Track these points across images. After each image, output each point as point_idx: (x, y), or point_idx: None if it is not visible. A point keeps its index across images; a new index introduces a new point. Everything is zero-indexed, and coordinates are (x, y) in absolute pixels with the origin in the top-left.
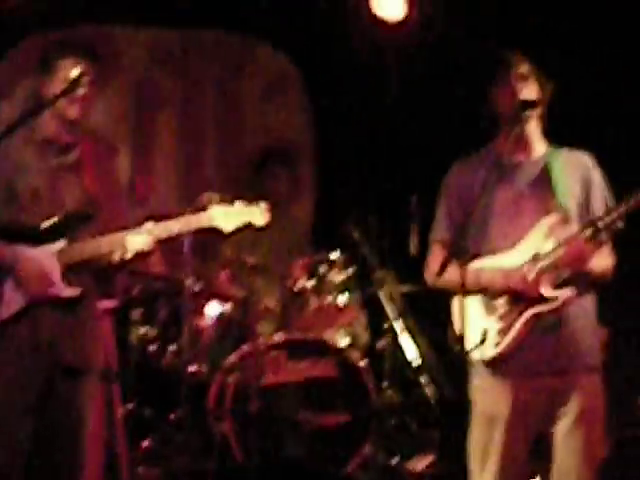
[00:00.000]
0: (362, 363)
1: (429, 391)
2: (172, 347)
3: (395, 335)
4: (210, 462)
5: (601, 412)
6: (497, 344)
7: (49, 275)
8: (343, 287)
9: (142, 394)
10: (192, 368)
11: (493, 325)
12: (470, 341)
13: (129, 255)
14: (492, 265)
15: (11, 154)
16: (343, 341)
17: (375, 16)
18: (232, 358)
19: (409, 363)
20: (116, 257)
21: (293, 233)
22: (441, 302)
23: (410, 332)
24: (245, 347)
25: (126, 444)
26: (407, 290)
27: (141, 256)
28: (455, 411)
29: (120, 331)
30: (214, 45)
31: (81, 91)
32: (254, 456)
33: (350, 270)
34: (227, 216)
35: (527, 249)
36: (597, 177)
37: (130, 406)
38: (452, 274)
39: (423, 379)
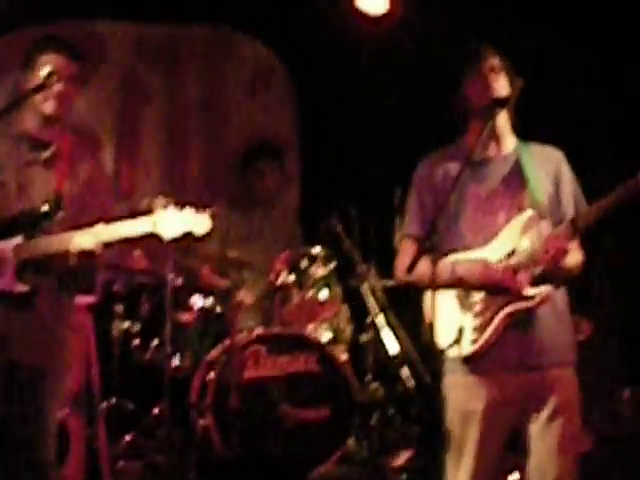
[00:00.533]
0: (343, 357)
1: (410, 385)
2: (154, 342)
3: (378, 329)
4: (191, 456)
5: (577, 406)
6: (474, 341)
7: (2, 269)
8: (325, 282)
9: (124, 388)
10: (174, 363)
11: (469, 322)
12: (446, 338)
13: (76, 253)
14: (466, 259)
15: None
16: (325, 335)
17: (358, 10)
18: (214, 353)
19: (392, 357)
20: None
21: (283, 227)
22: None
23: (391, 327)
24: (227, 342)
25: (106, 439)
26: (390, 284)
27: (86, 256)
28: (435, 406)
29: (103, 325)
30: (199, 40)
31: (57, 87)
32: (235, 451)
33: (332, 265)
34: (170, 223)
35: (502, 246)
36: (566, 172)
37: (112, 400)
38: (424, 269)
39: (404, 373)
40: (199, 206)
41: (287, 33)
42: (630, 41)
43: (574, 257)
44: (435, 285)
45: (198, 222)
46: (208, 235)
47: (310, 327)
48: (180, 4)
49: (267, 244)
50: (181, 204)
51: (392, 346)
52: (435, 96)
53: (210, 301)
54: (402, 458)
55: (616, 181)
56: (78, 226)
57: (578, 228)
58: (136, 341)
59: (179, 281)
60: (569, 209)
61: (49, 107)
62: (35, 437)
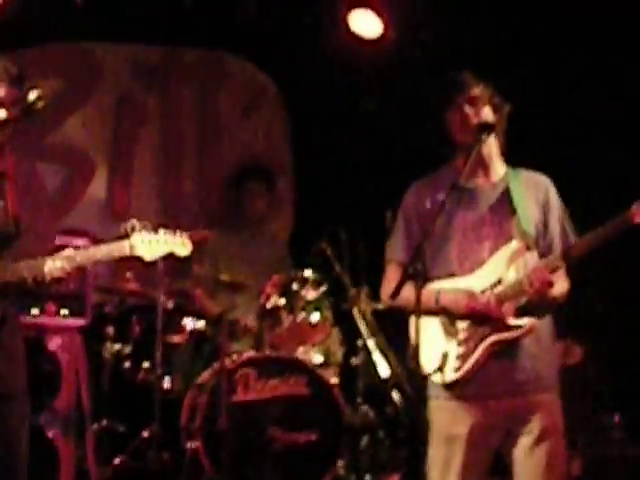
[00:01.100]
0: (333, 381)
1: (400, 408)
2: (145, 364)
3: (369, 352)
4: (181, 479)
5: (561, 431)
6: (457, 369)
7: None
8: (315, 305)
9: (115, 410)
10: (165, 385)
11: (453, 349)
12: (430, 363)
13: (46, 280)
14: (452, 287)
15: None
16: (316, 358)
17: (352, 33)
18: (205, 375)
19: (383, 380)
20: (31, 281)
21: (273, 249)
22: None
23: (381, 350)
24: (217, 365)
25: (96, 461)
26: (379, 308)
27: (57, 281)
28: (423, 429)
29: (94, 347)
30: (193, 62)
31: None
32: (225, 474)
33: (322, 288)
34: (149, 245)
35: (488, 275)
36: (554, 199)
37: (103, 422)
38: (409, 294)
39: (395, 396)
40: (181, 228)
41: (281, 56)
42: (618, 65)
43: (560, 286)
44: (419, 311)
45: (177, 243)
46: (189, 257)
47: (300, 350)
48: (174, 26)
49: (257, 266)
50: (155, 227)
51: (383, 369)
52: (427, 119)
53: (201, 324)
54: None
55: (604, 207)
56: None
57: (570, 259)
58: (127, 363)
59: (170, 303)
60: (556, 236)
61: None
62: (9, 464)
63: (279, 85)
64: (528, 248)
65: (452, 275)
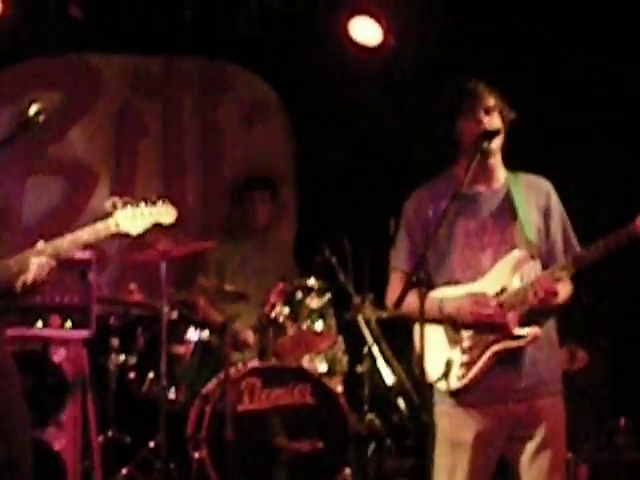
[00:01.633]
0: (339, 389)
1: (406, 416)
2: (150, 375)
3: (374, 360)
4: None
5: (564, 435)
6: (461, 376)
7: None
8: (320, 313)
9: (121, 421)
10: (171, 395)
11: (457, 357)
12: (434, 371)
13: (30, 276)
14: (455, 295)
15: None
16: (321, 367)
17: (353, 42)
18: (210, 385)
19: (388, 388)
20: (19, 282)
21: (278, 258)
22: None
23: (385, 357)
24: (222, 374)
25: (103, 472)
26: (384, 316)
27: (47, 273)
28: (429, 436)
29: (99, 359)
30: (194, 72)
31: None
32: None
33: (327, 296)
34: (133, 219)
35: (492, 282)
36: (555, 203)
37: (109, 433)
38: (413, 302)
39: (401, 404)
40: (159, 200)
41: (282, 65)
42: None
43: (564, 291)
44: (423, 319)
45: (162, 212)
46: (174, 225)
47: (305, 359)
48: (174, 37)
49: (261, 276)
50: (137, 200)
51: (388, 377)
52: (430, 127)
53: (206, 334)
54: None
55: (605, 212)
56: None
57: (580, 267)
58: (132, 374)
59: (174, 314)
60: (558, 242)
61: None
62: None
63: (280, 94)
64: (532, 256)
65: (455, 283)
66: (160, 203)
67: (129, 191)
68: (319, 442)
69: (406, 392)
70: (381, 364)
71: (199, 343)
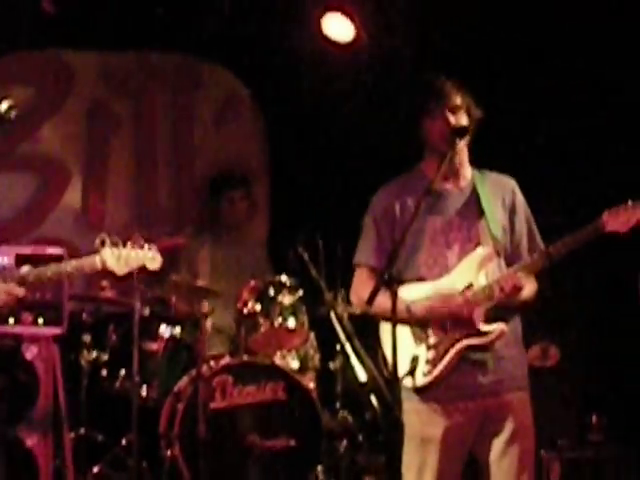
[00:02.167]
0: (311, 385)
1: (379, 412)
2: (123, 371)
3: (347, 357)
4: None
5: (532, 429)
6: (427, 373)
7: None
8: (292, 310)
9: (93, 418)
10: (143, 392)
11: (423, 354)
12: (400, 368)
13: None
14: (418, 293)
15: None
16: (293, 364)
17: (325, 37)
18: (182, 382)
19: (361, 385)
20: None
21: (252, 254)
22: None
23: (358, 354)
24: (194, 372)
25: (75, 469)
26: (356, 312)
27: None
28: (400, 433)
29: (71, 356)
30: (166, 68)
31: None
32: None
33: (299, 293)
34: (119, 259)
35: (459, 279)
36: (520, 201)
37: (81, 431)
38: (383, 302)
39: (373, 401)
40: (157, 236)
41: (254, 61)
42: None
43: (528, 288)
44: (395, 318)
45: (148, 257)
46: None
47: (277, 355)
48: (147, 33)
49: (235, 272)
50: (125, 240)
51: (361, 373)
52: (401, 123)
53: (178, 330)
54: None
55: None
56: None
57: (547, 262)
58: (104, 371)
59: (146, 311)
60: (523, 239)
61: None
62: None
63: (253, 90)
64: (497, 253)
65: (421, 279)
66: (147, 248)
67: (101, 188)
68: (291, 439)
69: (378, 389)
70: (354, 361)
71: (171, 339)
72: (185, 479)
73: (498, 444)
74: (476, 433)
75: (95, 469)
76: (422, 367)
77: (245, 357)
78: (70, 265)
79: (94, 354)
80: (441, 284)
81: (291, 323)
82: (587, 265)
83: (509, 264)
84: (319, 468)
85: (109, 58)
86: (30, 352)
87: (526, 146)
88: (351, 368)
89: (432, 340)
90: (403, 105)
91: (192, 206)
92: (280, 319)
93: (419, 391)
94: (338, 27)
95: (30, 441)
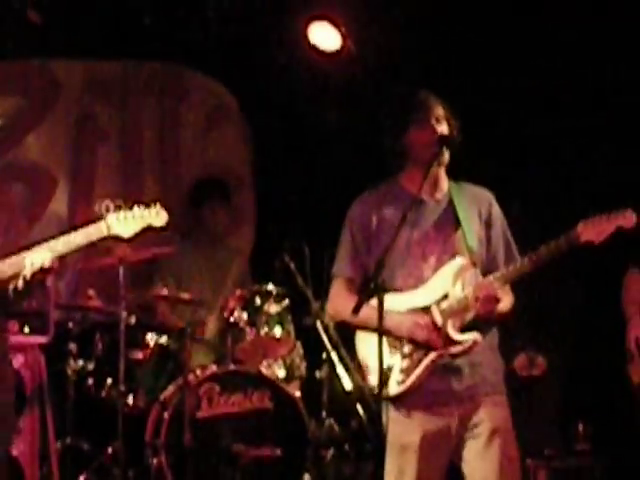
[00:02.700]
0: (297, 394)
1: (365, 421)
2: (109, 380)
3: (333, 366)
4: None
5: (511, 431)
6: (401, 382)
7: None
8: (278, 319)
9: (79, 427)
10: (129, 401)
11: (397, 363)
12: (374, 376)
13: (29, 274)
14: (394, 304)
15: None
16: (279, 373)
17: (312, 47)
18: (168, 391)
19: (347, 393)
20: (20, 281)
21: (235, 264)
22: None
23: (344, 363)
24: (180, 380)
25: (60, 478)
26: (331, 321)
27: (42, 274)
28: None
29: (57, 365)
30: (153, 77)
31: None
32: None
33: (285, 302)
34: (125, 222)
35: (434, 290)
36: (497, 213)
37: (67, 439)
38: (362, 313)
39: (359, 409)
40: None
41: (241, 70)
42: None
43: (505, 301)
44: (382, 327)
45: (152, 215)
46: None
47: (264, 364)
48: (133, 41)
49: (219, 281)
50: (130, 204)
51: (347, 382)
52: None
53: (164, 339)
54: None
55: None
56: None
57: (523, 274)
58: (90, 380)
59: (132, 319)
60: (499, 251)
61: None
62: None
63: (239, 99)
64: (474, 264)
65: (397, 290)
66: (152, 206)
67: (88, 196)
68: (278, 448)
69: (364, 398)
70: (340, 370)
71: (157, 348)
72: None
73: (476, 448)
74: (455, 440)
75: (81, 478)
76: (396, 376)
77: (231, 366)
78: (79, 235)
79: (80, 363)
80: (417, 295)
81: (277, 332)
82: (574, 274)
83: (485, 276)
84: (305, 477)
85: (95, 67)
86: (16, 360)
87: (503, 159)
88: (337, 377)
89: (406, 349)
90: (384, 117)
91: (178, 215)
92: (266, 328)
93: (394, 400)
94: (324, 36)
95: (16, 449)
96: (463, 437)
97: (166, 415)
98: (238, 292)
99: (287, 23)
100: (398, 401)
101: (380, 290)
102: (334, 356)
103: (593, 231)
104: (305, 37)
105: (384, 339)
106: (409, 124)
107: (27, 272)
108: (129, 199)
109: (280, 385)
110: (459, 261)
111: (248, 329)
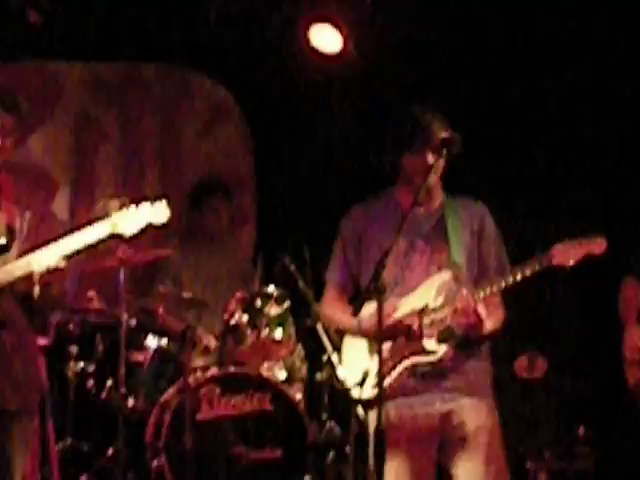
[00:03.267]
0: (298, 396)
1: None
2: (109, 382)
3: (333, 368)
4: None
5: (496, 432)
6: (375, 386)
7: None
8: (279, 321)
9: (80, 429)
10: (130, 403)
11: (374, 367)
12: (351, 378)
13: (38, 274)
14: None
15: None
16: (280, 375)
17: (313, 49)
18: (168, 393)
19: (347, 395)
20: (35, 283)
21: (235, 265)
22: None
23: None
24: (181, 382)
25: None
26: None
27: (52, 273)
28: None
29: (57, 367)
30: (153, 78)
31: None
32: None
33: (286, 304)
34: (128, 221)
35: (416, 301)
36: (490, 227)
37: (68, 441)
38: (338, 317)
39: (360, 411)
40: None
41: (242, 72)
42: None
43: (495, 318)
44: (381, 331)
45: (156, 212)
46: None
47: (264, 366)
48: (134, 43)
49: (219, 283)
50: (137, 201)
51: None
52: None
53: (165, 341)
54: None
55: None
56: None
57: (504, 287)
58: (91, 382)
59: (133, 321)
60: (491, 265)
61: None
62: None
63: (240, 101)
64: (457, 279)
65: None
66: (156, 202)
67: (88, 198)
68: (278, 450)
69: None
70: (341, 371)
71: (158, 351)
72: None
73: (459, 449)
74: (439, 441)
75: (82, 479)
76: (372, 380)
77: (232, 368)
78: (86, 234)
79: (81, 365)
80: (400, 304)
81: (278, 334)
82: (574, 278)
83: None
84: (306, 479)
85: (96, 69)
86: None
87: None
88: (338, 379)
89: (385, 354)
90: (385, 134)
91: (179, 216)
92: (267, 330)
93: (367, 403)
94: (326, 38)
95: None
96: (447, 439)
97: (166, 417)
98: (239, 294)
99: (289, 26)
100: (369, 406)
101: (380, 291)
102: (334, 358)
103: (565, 255)
104: (306, 39)
105: (367, 342)
106: (404, 149)
107: (36, 273)
108: (130, 201)
109: (281, 387)
110: (444, 275)
111: (249, 331)
